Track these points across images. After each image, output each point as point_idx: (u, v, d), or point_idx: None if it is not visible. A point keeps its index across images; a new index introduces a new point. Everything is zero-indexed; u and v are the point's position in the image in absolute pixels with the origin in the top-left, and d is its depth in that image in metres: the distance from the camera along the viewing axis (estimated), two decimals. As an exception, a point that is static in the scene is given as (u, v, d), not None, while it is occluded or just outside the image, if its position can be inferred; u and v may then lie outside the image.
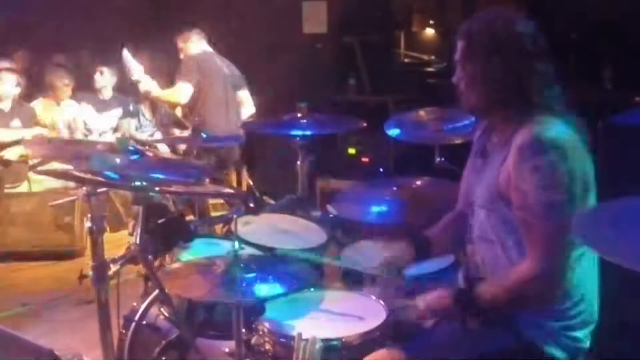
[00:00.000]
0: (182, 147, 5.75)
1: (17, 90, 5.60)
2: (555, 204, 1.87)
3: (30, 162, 5.30)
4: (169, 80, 5.26)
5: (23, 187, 5.41)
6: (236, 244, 2.08)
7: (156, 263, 2.44)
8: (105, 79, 6.18)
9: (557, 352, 2.00)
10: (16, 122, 5.57)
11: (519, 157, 1.92)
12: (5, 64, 5.88)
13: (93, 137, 5.99)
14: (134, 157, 2.21)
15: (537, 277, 1.90)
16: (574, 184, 1.88)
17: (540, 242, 1.90)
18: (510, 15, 2.04)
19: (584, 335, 2.05)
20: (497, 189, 2.01)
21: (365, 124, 3.68)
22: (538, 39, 2.02)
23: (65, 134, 5.87)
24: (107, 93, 6.23)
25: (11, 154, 5.42)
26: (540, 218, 1.89)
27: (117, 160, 2.17)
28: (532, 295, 1.95)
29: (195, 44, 5.12)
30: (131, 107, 6.34)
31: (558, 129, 1.93)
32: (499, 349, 2.01)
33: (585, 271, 2.01)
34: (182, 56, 5.14)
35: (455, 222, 2.38)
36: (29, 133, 5.41)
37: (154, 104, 6.37)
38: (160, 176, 2.20)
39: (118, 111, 6.26)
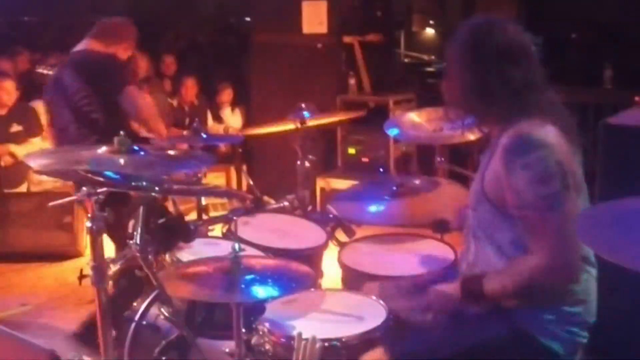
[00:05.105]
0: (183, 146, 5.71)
1: (15, 95, 5.42)
2: (552, 196, 1.88)
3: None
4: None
5: (22, 188, 5.40)
6: (236, 244, 2.08)
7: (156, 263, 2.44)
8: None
9: (554, 345, 1.99)
10: (15, 127, 5.37)
11: (507, 157, 1.93)
12: (6, 65, 5.81)
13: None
14: (135, 156, 2.21)
15: (552, 269, 1.89)
16: (566, 175, 1.89)
17: (549, 235, 1.88)
18: (496, 21, 2.05)
19: (582, 332, 2.04)
20: (483, 191, 2.02)
21: (365, 124, 3.69)
22: (525, 43, 2.02)
23: None
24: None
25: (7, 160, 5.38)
26: (542, 211, 1.88)
27: (120, 161, 2.16)
28: (545, 287, 1.94)
29: None
30: None
31: (544, 130, 1.93)
32: (495, 340, 2.00)
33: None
34: None
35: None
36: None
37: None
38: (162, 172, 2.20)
39: None
